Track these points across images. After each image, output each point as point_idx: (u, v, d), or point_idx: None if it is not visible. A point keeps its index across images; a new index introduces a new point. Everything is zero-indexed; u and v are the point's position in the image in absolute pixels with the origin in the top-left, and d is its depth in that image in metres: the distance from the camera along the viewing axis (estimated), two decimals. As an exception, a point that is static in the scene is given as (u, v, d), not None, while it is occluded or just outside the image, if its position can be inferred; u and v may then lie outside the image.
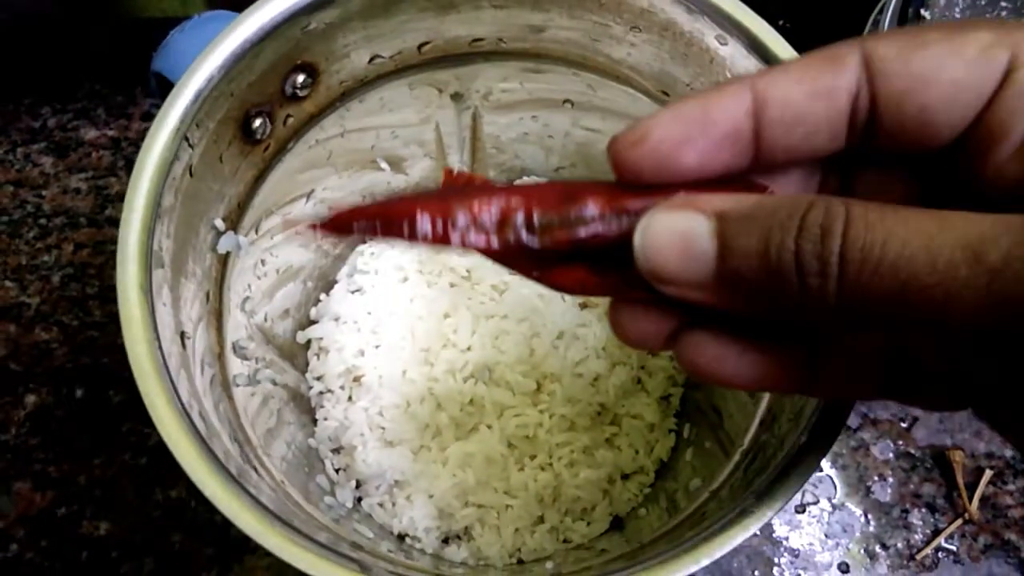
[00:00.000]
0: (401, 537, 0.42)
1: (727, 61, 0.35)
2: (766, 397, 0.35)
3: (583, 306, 0.42)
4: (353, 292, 0.46)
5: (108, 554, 0.52)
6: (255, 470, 0.31)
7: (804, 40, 0.38)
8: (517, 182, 0.49)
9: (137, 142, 0.64)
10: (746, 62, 0.34)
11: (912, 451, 0.55)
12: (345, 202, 0.45)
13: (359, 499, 0.43)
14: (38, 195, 0.62)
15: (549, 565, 0.36)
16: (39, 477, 0.54)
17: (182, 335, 0.31)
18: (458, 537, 0.42)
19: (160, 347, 0.28)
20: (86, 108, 0.65)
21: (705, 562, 0.25)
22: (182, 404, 0.27)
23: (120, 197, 0.62)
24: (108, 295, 0.59)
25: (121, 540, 0.52)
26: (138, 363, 0.27)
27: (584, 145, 0.45)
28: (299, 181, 0.41)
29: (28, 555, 0.52)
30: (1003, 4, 0.47)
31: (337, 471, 0.43)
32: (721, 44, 0.34)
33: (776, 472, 0.27)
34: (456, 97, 0.42)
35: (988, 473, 0.54)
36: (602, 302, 0.44)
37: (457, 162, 0.47)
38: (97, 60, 0.65)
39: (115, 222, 0.61)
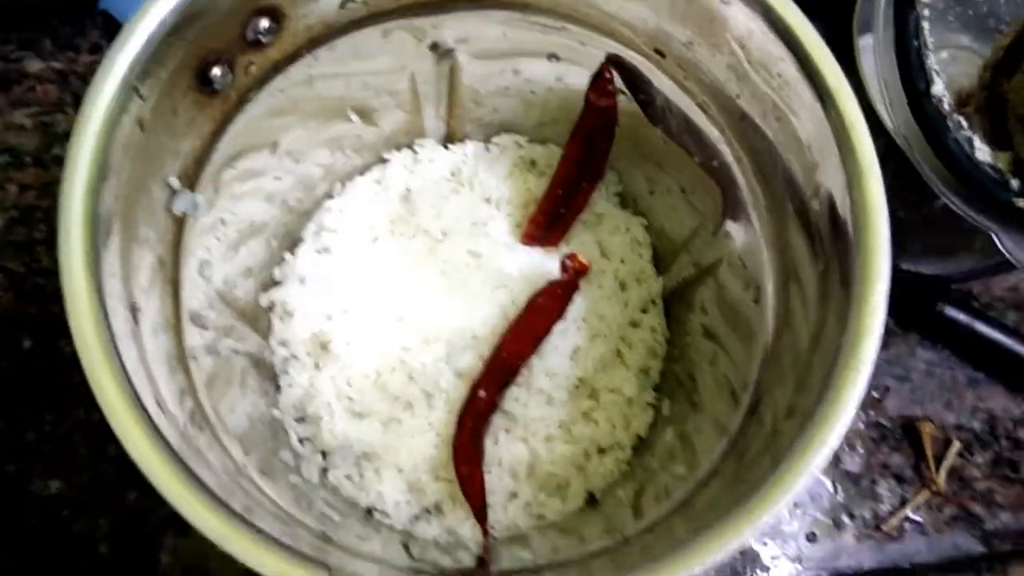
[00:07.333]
0: (369, 512, 0.40)
1: (728, 22, 0.32)
2: (752, 382, 0.33)
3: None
4: (320, 252, 0.43)
5: (60, 513, 0.50)
6: (213, 449, 0.29)
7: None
8: (495, 139, 0.46)
9: (86, 76, 0.59)
10: (749, 23, 0.31)
11: (882, 421, 0.55)
12: (312, 153, 0.43)
13: (325, 471, 0.41)
14: (-22, 132, 0.58)
15: (527, 555, 0.35)
16: (-16, 433, 0.51)
17: (133, 307, 0.28)
18: (427, 512, 0.40)
19: (108, 323, 0.25)
20: (31, 39, 0.60)
21: (698, 569, 0.23)
22: (132, 386, 0.25)
23: (67, 135, 0.57)
24: (56, 240, 0.56)
25: (73, 499, 0.50)
26: (83, 340, 0.25)
27: (567, 100, 0.43)
28: (262, 132, 0.38)
29: (-26, 515, 0.50)
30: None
31: (301, 441, 0.41)
32: (723, 3, 0.32)
33: (771, 471, 0.25)
34: (434, 47, 0.39)
35: (957, 445, 0.54)
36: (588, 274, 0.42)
37: (432, 116, 0.44)
38: (42, -14, 0.60)
39: (62, 162, 0.57)
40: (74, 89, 0.59)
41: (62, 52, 0.60)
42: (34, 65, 0.60)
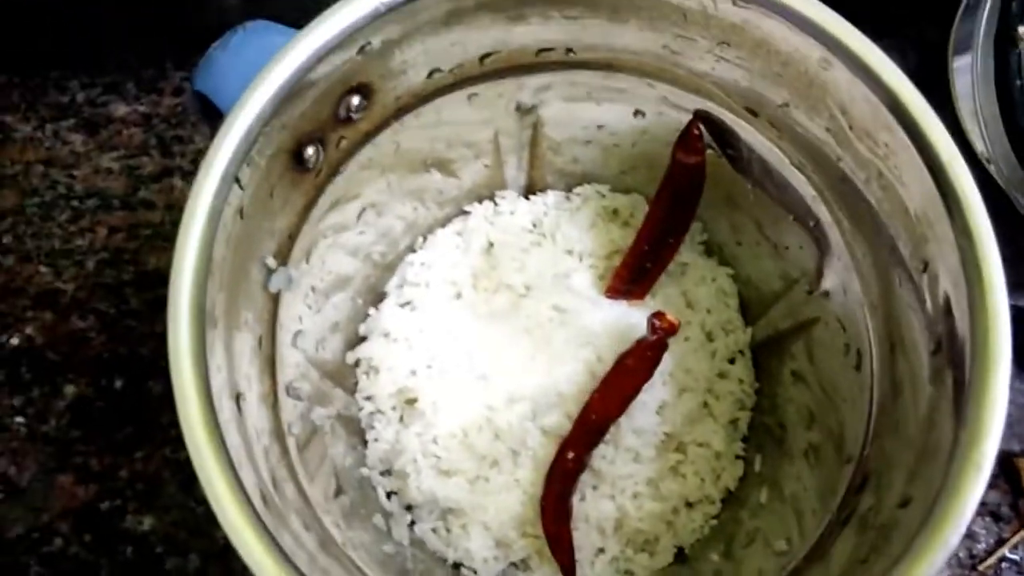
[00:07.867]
0: (456, 567, 0.40)
1: (829, 86, 0.31)
2: (855, 456, 0.32)
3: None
4: (403, 306, 0.43)
5: (153, 549, 0.52)
6: (314, 533, 0.30)
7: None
8: (576, 189, 0.46)
9: (168, 119, 0.61)
10: (852, 89, 0.30)
11: (978, 457, 0.53)
12: (394, 207, 0.43)
13: (411, 524, 0.41)
14: (69, 175, 0.60)
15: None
16: (81, 470, 0.53)
17: (237, 396, 0.29)
18: (515, 567, 0.41)
19: (217, 423, 0.26)
20: (114, 83, 0.61)
21: None
22: (241, 485, 0.26)
23: (153, 178, 0.59)
24: (144, 282, 0.57)
25: (165, 536, 0.52)
26: (196, 446, 0.25)
27: (650, 148, 0.42)
28: (347, 190, 0.38)
29: (72, 549, 0.52)
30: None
31: (389, 496, 0.41)
32: (823, 68, 0.31)
33: (892, 568, 0.24)
34: (518, 106, 0.39)
35: (1057, 483, 0.52)
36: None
37: (514, 167, 0.44)
38: (124, 30, 0.61)
39: (149, 204, 0.59)
40: (158, 132, 0.60)
41: (146, 95, 0.61)
42: (119, 109, 0.61)
